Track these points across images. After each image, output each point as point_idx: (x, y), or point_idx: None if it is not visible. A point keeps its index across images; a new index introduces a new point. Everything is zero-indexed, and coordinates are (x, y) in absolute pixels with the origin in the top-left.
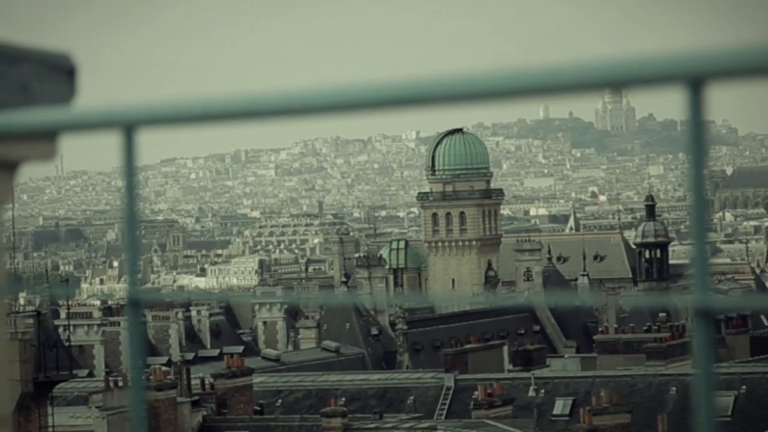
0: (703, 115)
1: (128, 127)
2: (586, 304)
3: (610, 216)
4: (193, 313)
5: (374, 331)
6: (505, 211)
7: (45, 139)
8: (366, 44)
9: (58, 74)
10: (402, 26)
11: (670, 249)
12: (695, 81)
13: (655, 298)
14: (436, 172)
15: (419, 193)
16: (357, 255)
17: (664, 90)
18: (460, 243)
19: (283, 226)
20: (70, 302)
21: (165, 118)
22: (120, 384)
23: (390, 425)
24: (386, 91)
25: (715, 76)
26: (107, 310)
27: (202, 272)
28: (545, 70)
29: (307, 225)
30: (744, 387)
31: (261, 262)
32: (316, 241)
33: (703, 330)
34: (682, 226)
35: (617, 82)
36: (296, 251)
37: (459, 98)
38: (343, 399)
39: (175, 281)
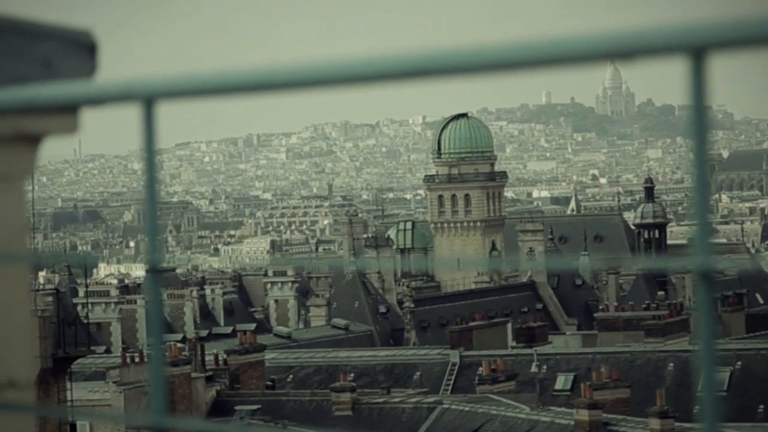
0: (705, 84)
1: (148, 100)
2: (583, 273)
3: (610, 198)
4: (207, 291)
5: (382, 309)
6: (508, 193)
7: (67, 112)
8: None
9: (79, 51)
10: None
11: (668, 230)
12: (697, 51)
13: (655, 261)
14: (442, 156)
15: (426, 176)
16: (365, 236)
17: (667, 60)
18: (465, 224)
19: (294, 208)
20: (88, 281)
21: (184, 90)
22: (136, 360)
23: (397, 400)
24: (397, 63)
25: (717, 46)
26: (124, 289)
27: (216, 252)
28: (549, 42)
29: (317, 207)
30: (739, 363)
31: (272, 243)
32: (325, 222)
33: (704, 291)
34: (680, 208)
35: (621, 52)
36: (306, 232)
37: (467, 70)
38: (352, 375)
39: (189, 261)
